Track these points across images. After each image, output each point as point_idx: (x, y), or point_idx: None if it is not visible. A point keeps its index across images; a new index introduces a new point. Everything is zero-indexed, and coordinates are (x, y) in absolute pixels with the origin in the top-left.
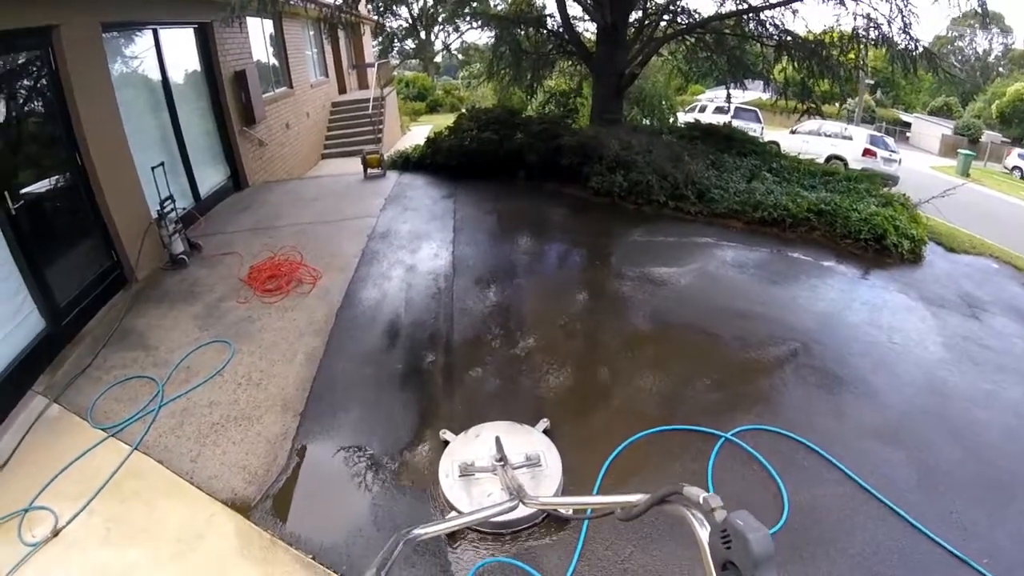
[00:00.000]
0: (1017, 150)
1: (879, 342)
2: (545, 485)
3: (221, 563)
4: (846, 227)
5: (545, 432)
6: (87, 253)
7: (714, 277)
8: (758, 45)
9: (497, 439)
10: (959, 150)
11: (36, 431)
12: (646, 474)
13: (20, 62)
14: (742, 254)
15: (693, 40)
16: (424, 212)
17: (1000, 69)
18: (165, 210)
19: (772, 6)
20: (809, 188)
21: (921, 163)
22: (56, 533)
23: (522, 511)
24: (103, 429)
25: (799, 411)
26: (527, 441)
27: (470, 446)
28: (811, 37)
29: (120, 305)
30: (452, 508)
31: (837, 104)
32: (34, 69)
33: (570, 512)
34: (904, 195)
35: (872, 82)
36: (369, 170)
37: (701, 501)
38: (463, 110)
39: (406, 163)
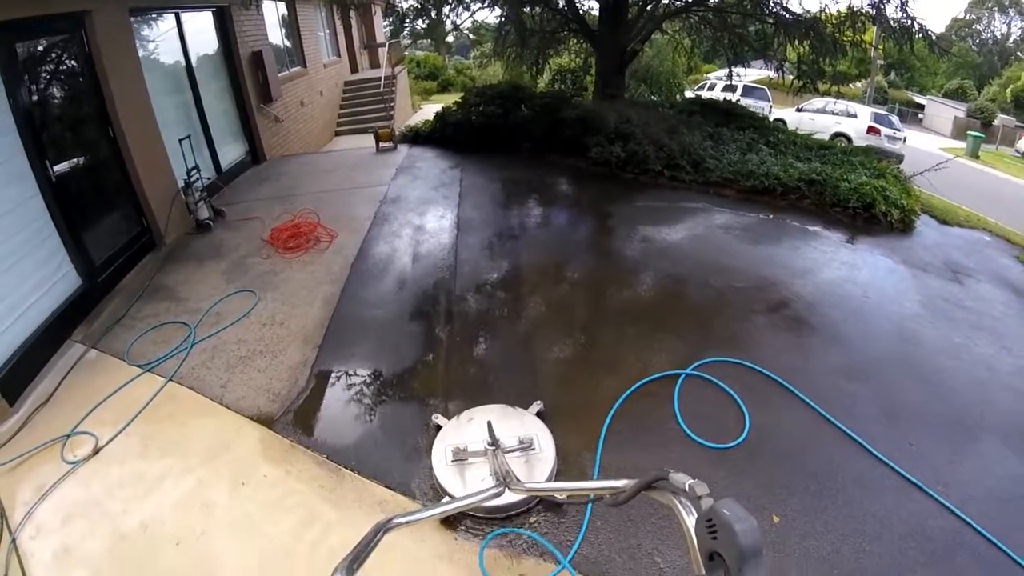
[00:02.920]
0: None
1: (853, 296)
2: (539, 469)
3: (246, 464)
4: (835, 196)
5: (538, 415)
6: (119, 218)
7: (702, 238)
8: (760, 24)
9: (489, 424)
10: (968, 132)
11: (76, 372)
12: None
13: (58, 44)
14: (731, 218)
15: (697, 18)
16: (432, 180)
17: (1018, 53)
18: (191, 179)
19: None
20: (804, 160)
21: (931, 144)
22: (96, 452)
23: (513, 496)
24: (139, 366)
25: (767, 350)
26: (520, 424)
27: (463, 430)
28: (809, 15)
29: (151, 265)
30: (446, 493)
31: (852, 84)
32: (70, 51)
33: (562, 496)
34: (899, 168)
35: (883, 63)
36: (381, 144)
37: (687, 488)
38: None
39: (416, 137)
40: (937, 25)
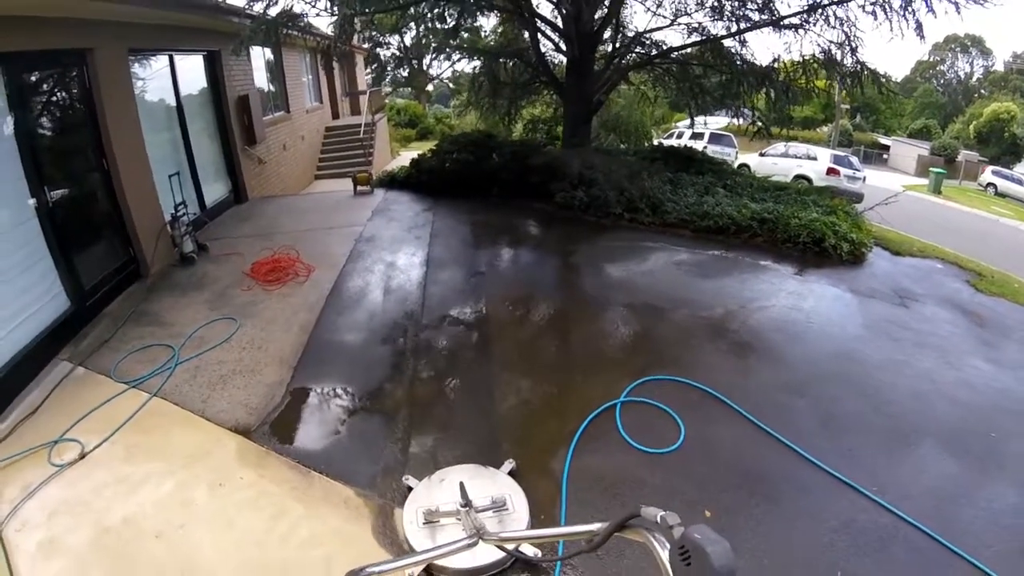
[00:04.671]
0: (991, 167)
1: (796, 321)
2: (512, 528)
3: (224, 468)
4: (787, 233)
5: (511, 474)
6: (108, 246)
7: (655, 273)
8: (720, 75)
9: (461, 484)
10: (930, 168)
11: (63, 387)
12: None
13: (61, 77)
14: (685, 256)
15: (661, 70)
16: (406, 222)
17: (981, 91)
18: (178, 213)
19: (725, 37)
20: (759, 201)
21: (895, 183)
22: (83, 456)
23: (488, 556)
24: (125, 383)
25: (709, 370)
26: (492, 483)
27: (434, 491)
28: (763, 66)
29: (137, 293)
30: (403, 555)
31: (818, 129)
32: (72, 84)
33: (536, 553)
34: (850, 204)
35: (848, 107)
36: (359, 187)
37: (659, 520)
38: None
39: (392, 181)
40: (902, 68)
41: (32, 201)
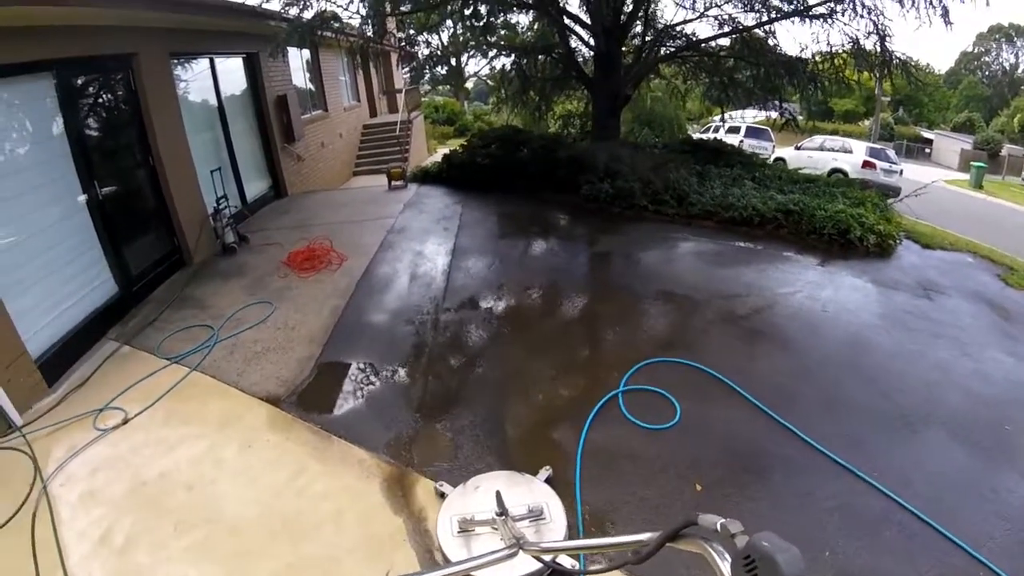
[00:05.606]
0: None
1: (811, 310)
2: (550, 538)
3: (253, 432)
4: (812, 224)
5: (547, 481)
6: (154, 237)
7: (675, 262)
8: (752, 68)
9: (498, 493)
10: (971, 163)
11: (110, 363)
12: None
13: (109, 80)
14: (707, 246)
15: (692, 63)
16: (436, 214)
17: None
18: (220, 206)
19: (754, 27)
20: (787, 193)
21: (935, 177)
22: (125, 422)
23: (523, 567)
24: (167, 359)
25: (716, 354)
26: (528, 491)
27: (468, 499)
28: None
29: (180, 280)
30: (439, 566)
31: (859, 122)
32: (119, 87)
33: (573, 565)
34: (879, 196)
35: (889, 99)
36: (393, 182)
37: (719, 528)
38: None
39: (425, 176)
40: (946, 60)
41: (83, 197)
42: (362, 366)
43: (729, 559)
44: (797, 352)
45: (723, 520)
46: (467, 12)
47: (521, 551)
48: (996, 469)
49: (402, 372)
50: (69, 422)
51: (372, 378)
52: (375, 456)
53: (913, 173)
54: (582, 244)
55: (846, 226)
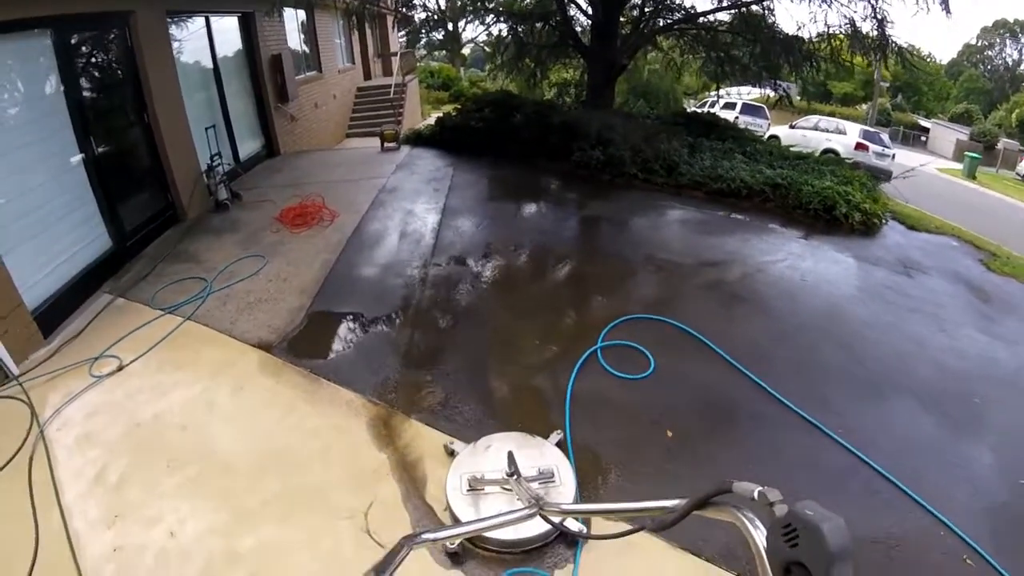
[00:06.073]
0: None
1: (791, 279)
2: (558, 500)
3: (245, 376)
4: (798, 199)
5: (558, 444)
6: (148, 193)
7: (661, 228)
8: (750, 44)
9: (510, 454)
10: (965, 153)
11: (105, 315)
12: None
13: (105, 38)
14: (693, 215)
15: (689, 36)
16: (427, 175)
17: None
18: (214, 163)
19: (753, 2)
20: (776, 167)
21: (929, 165)
22: (120, 369)
23: (532, 529)
24: (162, 309)
25: (695, 315)
26: (539, 454)
27: (478, 458)
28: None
29: (174, 236)
30: (459, 523)
31: (857, 106)
32: (115, 44)
33: (580, 528)
34: (868, 176)
35: (888, 84)
36: (385, 144)
37: (756, 496)
38: None
39: (418, 139)
40: (949, 52)
41: (79, 155)
42: (351, 316)
43: (763, 528)
44: (774, 317)
45: (760, 488)
46: None
47: (540, 512)
48: (962, 438)
49: (389, 322)
50: (65, 370)
51: (360, 327)
52: (362, 397)
53: (908, 159)
54: (570, 208)
55: (832, 202)
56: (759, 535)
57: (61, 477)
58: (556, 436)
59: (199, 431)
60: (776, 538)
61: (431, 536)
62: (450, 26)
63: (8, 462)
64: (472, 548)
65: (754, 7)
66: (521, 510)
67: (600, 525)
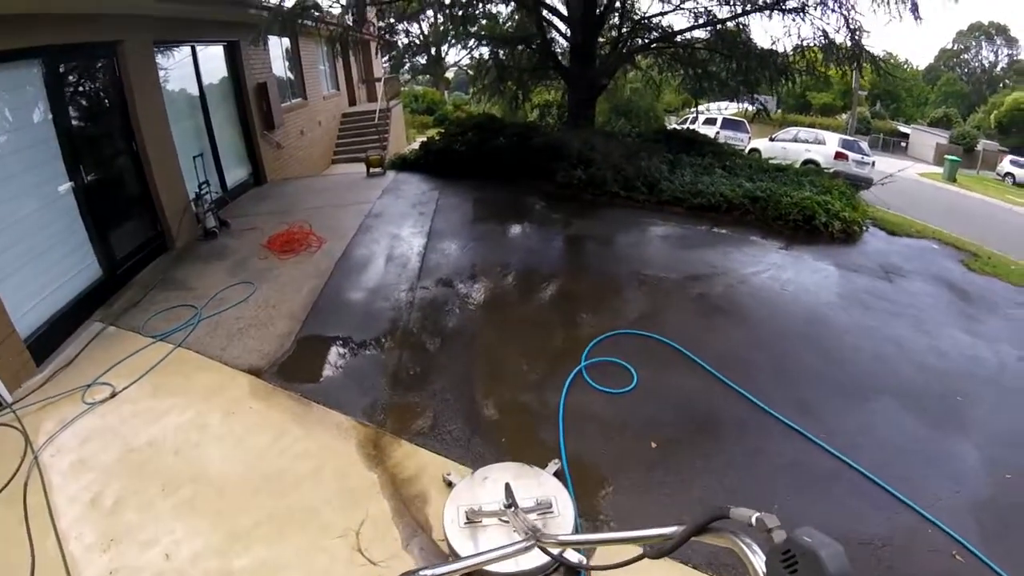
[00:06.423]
0: (1009, 157)
1: (771, 288)
2: (556, 531)
3: (236, 401)
4: (778, 210)
5: (555, 474)
6: (137, 222)
7: (643, 244)
8: (726, 60)
9: (507, 485)
10: (945, 156)
11: (97, 343)
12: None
13: (93, 68)
14: (674, 230)
15: (669, 55)
16: (413, 199)
17: (1006, 80)
18: (202, 192)
19: (729, 19)
20: (756, 181)
21: (910, 170)
22: (113, 395)
23: (531, 561)
24: (153, 337)
25: (675, 328)
26: (537, 484)
27: (476, 491)
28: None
29: (163, 264)
30: (458, 557)
31: (837, 116)
32: (103, 74)
33: (580, 559)
34: (847, 185)
35: (866, 92)
36: (371, 169)
37: (754, 522)
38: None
39: (403, 164)
40: (925, 57)
41: (68, 184)
42: (340, 340)
43: (762, 555)
44: (754, 327)
45: (759, 514)
46: (447, 1)
47: (537, 543)
48: (945, 436)
49: (377, 345)
50: (58, 397)
51: (349, 350)
52: (352, 419)
53: (888, 166)
54: (554, 228)
55: (811, 212)
56: (759, 561)
57: (56, 502)
58: (553, 466)
59: (192, 455)
60: (775, 564)
61: (430, 572)
62: (433, 51)
63: (3, 488)
64: None
65: (729, 24)
66: (519, 543)
67: (601, 555)
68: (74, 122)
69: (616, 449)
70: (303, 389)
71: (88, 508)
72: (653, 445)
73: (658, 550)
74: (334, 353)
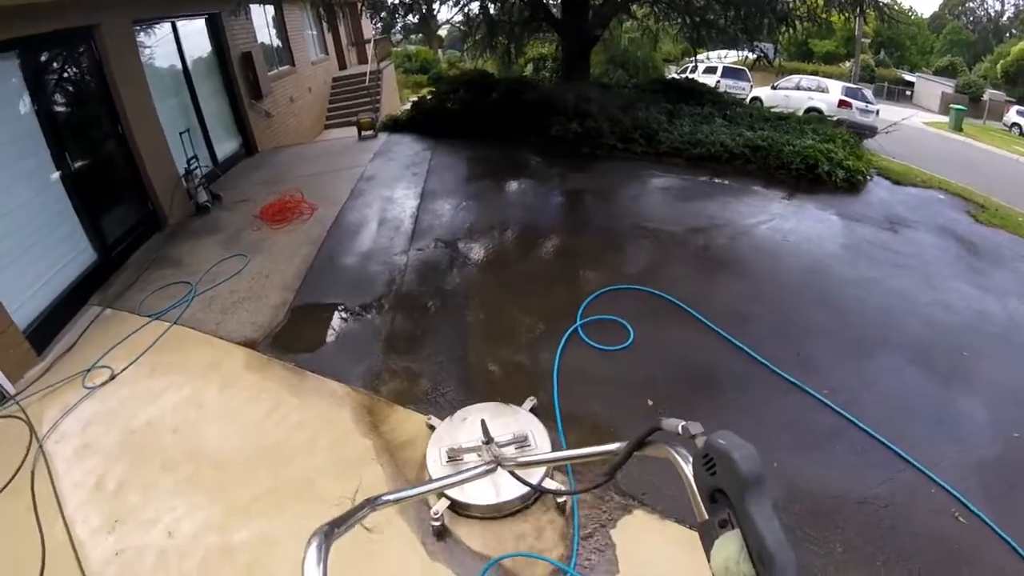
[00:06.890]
0: (1016, 107)
1: (772, 239)
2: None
3: (232, 374)
4: (779, 159)
5: (532, 411)
6: (128, 203)
7: (642, 197)
8: (724, 8)
9: (483, 421)
10: (951, 105)
11: (95, 327)
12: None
13: (73, 54)
14: (673, 181)
15: (665, 4)
16: (405, 160)
17: (1012, 30)
18: (191, 167)
19: None
20: (757, 130)
21: (915, 118)
22: (112, 378)
23: (511, 492)
24: (149, 316)
25: (675, 282)
26: (514, 420)
27: (456, 431)
28: None
29: (157, 242)
30: (442, 495)
31: (840, 64)
32: (83, 59)
33: (557, 487)
34: (850, 133)
35: (868, 40)
36: (363, 132)
37: (680, 431)
38: None
39: (395, 125)
40: (931, 4)
41: (56, 174)
42: (333, 307)
43: (690, 460)
44: (756, 279)
45: (684, 423)
46: None
47: (499, 467)
48: (951, 393)
49: (371, 310)
50: (59, 385)
51: (342, 317)
52: (346, 386)
53: (893, 115)
54: (551, 183)
55: (814, 161)
56: (687, 468)
57: (62, 489)
58: (530, 402)
59: (190, 432)
60: (699, 468)
61: (392, 497)
62: (424, 9)
63: (10, 480)
64: (458, 517)
65: None
66: (480, 466)
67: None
68: (57, 110)
69: (611, 407)
70: (297, 359)
71: (92, 492)
72: (649, 403)
73: (611, 466)
74: (327, 321)
